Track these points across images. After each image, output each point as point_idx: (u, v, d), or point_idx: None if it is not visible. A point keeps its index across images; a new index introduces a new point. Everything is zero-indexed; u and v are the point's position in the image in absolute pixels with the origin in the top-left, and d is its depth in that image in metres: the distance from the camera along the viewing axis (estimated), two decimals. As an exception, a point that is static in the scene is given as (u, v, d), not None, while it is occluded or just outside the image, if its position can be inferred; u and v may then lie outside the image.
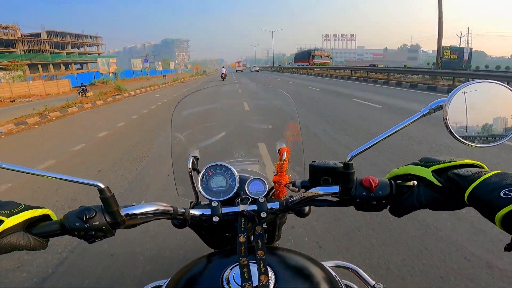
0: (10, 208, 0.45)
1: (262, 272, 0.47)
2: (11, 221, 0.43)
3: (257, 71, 53.68)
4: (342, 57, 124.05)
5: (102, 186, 0.48)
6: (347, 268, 0.73)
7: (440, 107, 0.49)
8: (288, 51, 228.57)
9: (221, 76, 25.56)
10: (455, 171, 0.43)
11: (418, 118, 0.51)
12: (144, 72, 43.58)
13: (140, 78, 41.88)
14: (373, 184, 0.51)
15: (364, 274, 0.70)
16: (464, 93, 0.49)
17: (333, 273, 0.55)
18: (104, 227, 0.49)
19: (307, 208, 0.67)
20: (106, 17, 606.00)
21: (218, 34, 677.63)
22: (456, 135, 0.49)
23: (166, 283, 0.56)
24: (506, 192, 0.35)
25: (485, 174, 0.39)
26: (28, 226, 0.47)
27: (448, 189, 0.43)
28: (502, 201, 0.35)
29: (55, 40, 48.92)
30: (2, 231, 0.42)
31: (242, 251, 0.51)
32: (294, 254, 0.57)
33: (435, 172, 0.45)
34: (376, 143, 0.51)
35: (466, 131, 0.49)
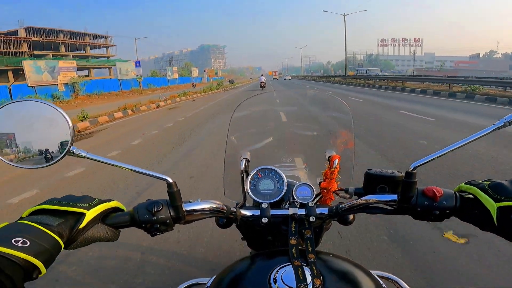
0: (87, 201, 0.47)
1: (315, 275, 0.47)
2: (91, 214, 0.46)
3: (289, 79, 62.87)
4: (405, 65, 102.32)
5: (171, 180, 0.51)
6: (388, 279, 0.71)
7: None
8: (334, 58, 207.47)
9: (260, 85, 23.04)
10: None
11: (492, 131, 0.49)
12: (137, 82, 28.75)
13: (131, 92, 27.30)
14: (437, 194, 0.50)
15: (407, 286, 0.69)
16: None
17: (381, 282, 0.55)
18: (168, 221, 0.51)
19: (351, 216, 0.68)
20: (146, 23, 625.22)
21: (257, 41, 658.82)
22: None
23: (211, 280, 0.57)
24: None
25: None
26: (102, 218, 0.49)
27: (502, 229, 0.45)
28: None
29: (35, 39, 36.72)
30: (86, 224, 0.45)
31: (294, 253, 0.52)
32: (341, 260, 0.57)
33: (500, 209, 0.44)
34: (442, 154, 0.51)
35: None
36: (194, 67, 60.94)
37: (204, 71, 63.88)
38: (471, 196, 0.50)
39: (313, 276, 0.47)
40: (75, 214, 0.45)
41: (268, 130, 1.07)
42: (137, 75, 26.78)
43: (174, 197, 0.51)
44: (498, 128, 0.49)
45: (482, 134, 0.50)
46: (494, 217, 0.44)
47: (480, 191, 0.47)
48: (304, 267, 0.49)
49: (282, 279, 0.48)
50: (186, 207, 0.54)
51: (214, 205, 0.57)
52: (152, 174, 0.51)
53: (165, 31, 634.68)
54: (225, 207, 0.59)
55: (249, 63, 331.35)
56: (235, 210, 0.61)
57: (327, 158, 0.78)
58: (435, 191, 0.51)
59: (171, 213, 0.52)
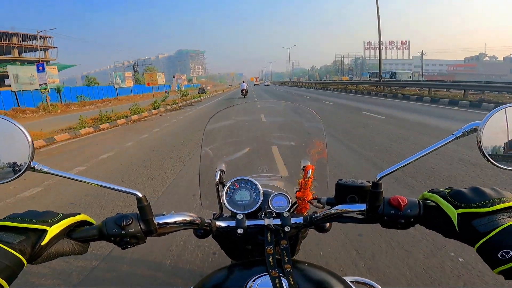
0: (50, 217, 0.47)
1: (292, 286, 0.48)
2: (54, 230, 0.45)
3: (269, 85, 69.65)
4: (393, 69, 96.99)
5: (140, 195, 0.51)
6: (365, 284, 0.73)
7: (474, 130, 0.50)
8: (318, 63, 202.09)
9: (242, 92, 20.59)
10: (475, 222, 0.44)
11: (451, 140, 0.52)
12: (57, 93, 19.17)
13: (37, 110, 17.78)
14: (402, 203, 0.52)
15: None
16: (499, 116, 0.48)
17: None
18: (138, 234, 0.51)
19: (327, 224, 0.69)
20: (122, 27, 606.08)
21: (239, 47, 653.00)
22: (490, 159, 0.49)
23: None
24: (503, 253, 0.40)
25: (497, 228, 0.42)
26: (68, 232, 0.49)
27: (463, 235, 0.46)
28: (499, 261, 0.41)
29: None
30: (49, 240, 0.44)
31: (271, 263, 0.53)
32: (316, 268, 0.58)
33: (460, 215, 0.46)
34: (406, 164, 0.53)
35: (500, 155, 0.49)
36: (160, 73, 51.03)
37: (173, 77, 54.47)
38: (434, 204, 0.51)
39: (290, 286, 0.48)
40: (37, 230, 0.44)
41: (244, 141, 1.06)
42: (41, 85, 17.26)
43: (144, 211, 0.51)
44: (457, 138, 0.51)
45: (442, 144, 0.51)
46: (455, 224, 0.46)
47: (442, 199, 0.49)
48: (281, 277, 0.50)
49: None
50: (158, 220, 0.54)
51: (187, 218, 0.57)
52: (121, 189, 0.51)
53: (141, 36, 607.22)
54: (199, 219, 0.59)
55: (231, 69, 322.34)
56: (210, 221, 0.61)
57: (302, 168, 0.78)
58: (400, 200, 0.52)
59: (142, 227, 0.52)
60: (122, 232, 0.50)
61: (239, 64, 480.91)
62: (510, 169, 0.50)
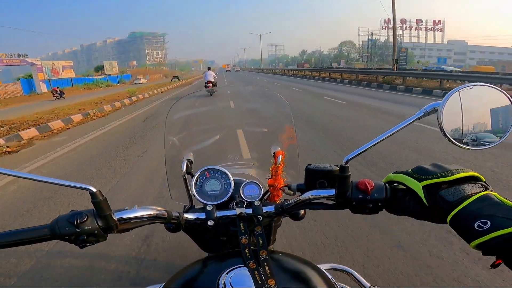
0: None
1: (269, 276, 0.47)
2: None
3: (238, 70, 78.84)
4: (425, 55, 69.64)
5: (94, 190, 0.47)
6: (342, 271, 0.74)
7: (435, 110, 0.50)
8: (309, 47, 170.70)
9: (206, 86, 12.33)
10: (442, 193, 0.44)
11: (413, 121, 0.52)
12: None
13: None
14: (369, 187, 0.51)
15: (359, 276, 0.71)
16: (459, 96, 0.49)
17: (329, 276, 0.57)
18: (96, 231, 0.48)
19: (302, 212, 0.68)
20: (63, 9, 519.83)
21: (209, 32, 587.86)
22: (450, 138, 0.50)
23: (161, 287, 0.56)
24: (480, 224, 0.38)
25: (468, 198, 0.42)
26: None
27: (434, 209, 0.46)
28: (476, 232, 0.38)
29: None
30: None
31: (247, 253, 0.51)
32: (290, 258, 0.58)
33: (426, 188, 0.46)
34: (371, 146, 0.52)
35: (460, 134, 0.50)
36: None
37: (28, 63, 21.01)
38: (400, 186, 0.52)
39: (266, 277, 0.47)
40: None
41: (213, 128, 1.02)
42: None
43: (100, 206, 0.47)
44: (419, 118, 0.51)
45: (405, 125, 0.51)
46: (423, 197, 0.46)
47: (405, 176, 0.50)
48: (259, 268, 0.49)
49: (230, 282, 0.47)
50: (118, 216, 0.50)
51: (152, 212, 0.53)
52: (72, 184, 0.47)
53: (85, 17, 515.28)
54: (166, 213, 0.55)
55: (201, 56, 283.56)
56: (178, 214, 0.58)
57: (272, 154, 0.76)
58: (367, 184, 0.51)
59: (99, 224, 0.48)
60: (77, 230, 0.46)
61: (211, 50, 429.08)
62: (469, 148, 0.50)
